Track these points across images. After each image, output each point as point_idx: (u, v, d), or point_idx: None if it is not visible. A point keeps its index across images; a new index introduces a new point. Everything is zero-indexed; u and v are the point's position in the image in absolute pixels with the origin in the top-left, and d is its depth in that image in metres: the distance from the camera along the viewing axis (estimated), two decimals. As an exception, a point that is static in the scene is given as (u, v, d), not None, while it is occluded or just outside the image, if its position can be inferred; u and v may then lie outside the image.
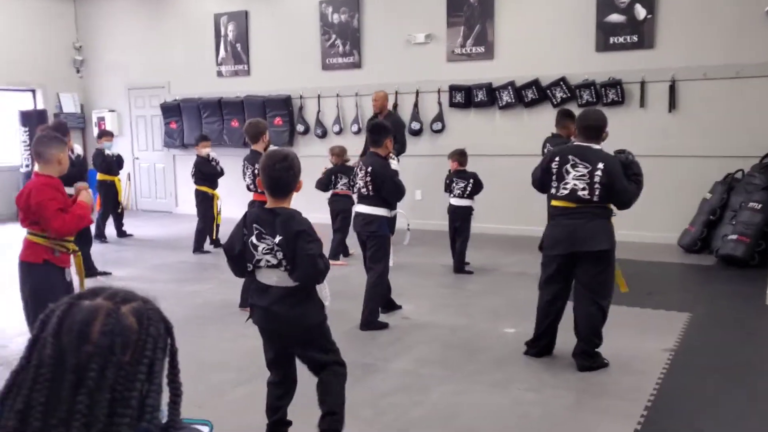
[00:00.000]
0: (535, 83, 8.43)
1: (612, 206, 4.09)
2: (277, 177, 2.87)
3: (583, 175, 3.96)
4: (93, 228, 8.72)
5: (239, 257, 2.92)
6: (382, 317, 5.15)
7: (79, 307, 1.07)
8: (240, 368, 4.25)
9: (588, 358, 4.10)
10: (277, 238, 2.82)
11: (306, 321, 2.95)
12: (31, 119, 11.24)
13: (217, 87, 10.86)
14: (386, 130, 5.11)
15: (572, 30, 8.21)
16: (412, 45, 9.21)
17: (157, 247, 8.74)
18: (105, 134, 9.16)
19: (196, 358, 4.27)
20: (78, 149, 6.79)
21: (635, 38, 7.87)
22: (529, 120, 8.59)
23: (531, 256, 7.21)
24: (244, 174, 5.75)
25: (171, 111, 11.19)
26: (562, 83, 8.25)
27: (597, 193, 3.94)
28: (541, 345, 4.32)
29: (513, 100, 8.61)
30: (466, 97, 8.87)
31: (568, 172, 4.01)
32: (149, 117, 11.88)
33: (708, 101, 7.64)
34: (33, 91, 12.05)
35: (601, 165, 3.93)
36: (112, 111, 12.14)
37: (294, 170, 2.91)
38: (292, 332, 2.97)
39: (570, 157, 4.03)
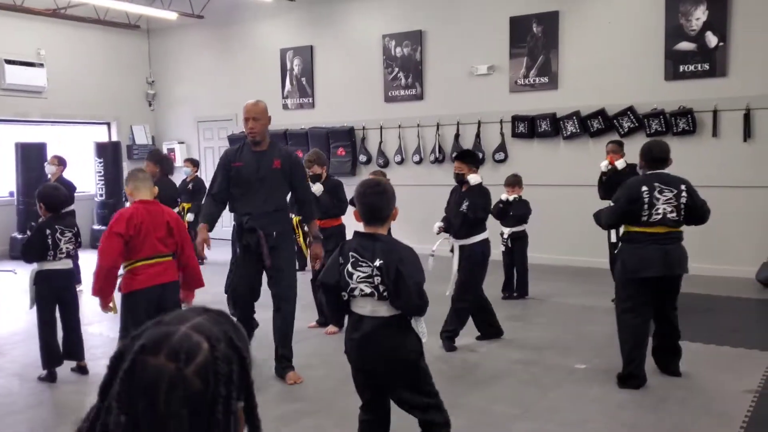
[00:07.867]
0: (601, 113, 8.31)
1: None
2: (371, 203, 2.82)
3: (670, 199, 4.17)
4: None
5: (335, 287, 2.81)
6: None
7: (144, 367, 1.01)
8: (306, 398, 4.27)
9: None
10: (377, 262, 2.70)
11: (402, 353, 2.80)
12: (106, 151, 11.78)
13: (283, 119, 11.12)
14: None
15: (640, 59, 8.08)
16: (475, 76, 9.23)
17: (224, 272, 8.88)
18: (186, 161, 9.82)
19: (261, 386, 4.32)
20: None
21: (707, 66, 7.68)
22: (594, 150, 8.45)
23: (595, 286, 7.07)
24: None
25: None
26: (629, 113, 8.11)
27: (683, 214, 4.20)
28: (641, 376, 4.28)
29: (578, 130, 8.51)
30: (529, 128, 8.82)
31: (657, 199, 4.16)
32: (217, 148, 12.24)
33: (785, 130, 7.38)
34: (108, 124, 12.61)
35: (683, 186, 4.21)
36: (182, 143, 12.58)
37: (387, 195, 2.83)
38: (388, 367, 2.82)
39: (656, 184, 4.19)
